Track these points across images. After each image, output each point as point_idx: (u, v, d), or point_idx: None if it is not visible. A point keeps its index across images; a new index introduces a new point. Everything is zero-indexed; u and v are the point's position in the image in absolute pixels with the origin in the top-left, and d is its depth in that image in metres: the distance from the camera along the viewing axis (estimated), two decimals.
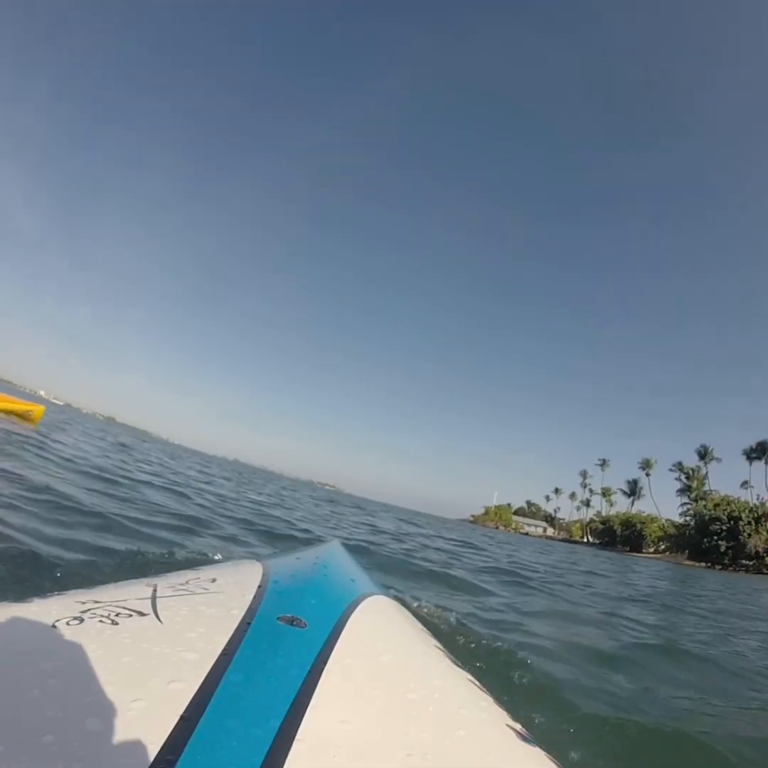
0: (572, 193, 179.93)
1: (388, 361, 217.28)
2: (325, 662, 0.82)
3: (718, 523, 46.50)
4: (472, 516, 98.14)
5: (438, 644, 1.30)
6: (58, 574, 2.09)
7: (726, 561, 44.52)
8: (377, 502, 76.51)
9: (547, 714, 1.77)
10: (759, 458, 58.83)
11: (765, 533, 43.34)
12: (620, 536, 66.18)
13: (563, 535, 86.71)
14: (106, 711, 0.62)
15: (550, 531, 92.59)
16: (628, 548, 63.44)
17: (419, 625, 1.48)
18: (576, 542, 74.06)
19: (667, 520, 66.41)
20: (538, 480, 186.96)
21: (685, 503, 61.49)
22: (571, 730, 1.74)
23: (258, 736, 0.61)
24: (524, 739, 0.85)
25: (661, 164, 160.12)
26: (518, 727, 0.89)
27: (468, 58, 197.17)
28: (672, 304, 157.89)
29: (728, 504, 48.73)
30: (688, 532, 51.79)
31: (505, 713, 0.95)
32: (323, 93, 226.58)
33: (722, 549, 44.85)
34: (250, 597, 1.02)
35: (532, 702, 1.84)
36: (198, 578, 1.16)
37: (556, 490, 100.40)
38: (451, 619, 2.80)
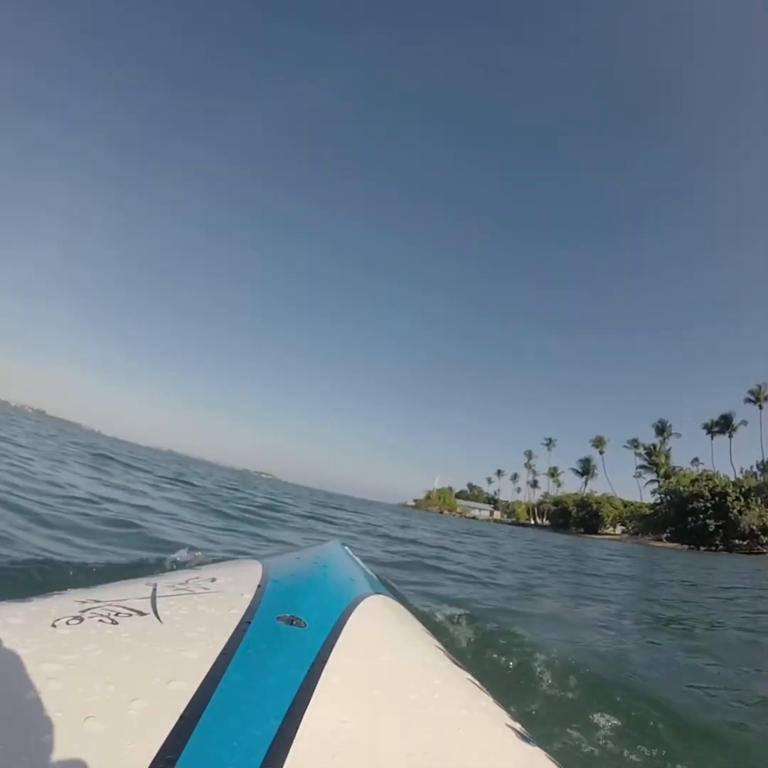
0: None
1: (320, 342, 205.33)
2: (324, 662, 0.82)
3: (700, 500, 42.22)
4: (414, 500, 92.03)
5: (438, 644, 1.30)
6: (58, 573, 2.08)
7: (717, 541, 40.19)
8: (314, 489, 68.42)
9: None
10: (722, 432, 56.32)
11: (757, 509, 39.39)
12: (575, 518, 62.04)
13: (510, 517, 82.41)
14: (106, 711, 0.61)
15: (496, 514, 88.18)
16: (582, 530, 59.32)
17: (419, 625, 1.48)
18: (524, 525, 69.66)
19: (618, 498, 63.27)
20: (478, 462, 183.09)
21: (652, 480, 58.23)
22: None
23: (258, 736, 0.61)
24: (524, 738, 0.86)
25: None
26: (518, 726, 0.90)
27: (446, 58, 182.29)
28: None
29: (708, 479, 44.81)
30: (661, 511, 47.56)
31: (505, 713, 0.96)
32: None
33: (711, 528, 40.54)
34: (250, 596, 1.02)
35: None
36: (198, 578, 1.15)
37: (499, 472, 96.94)
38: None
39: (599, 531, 58.94)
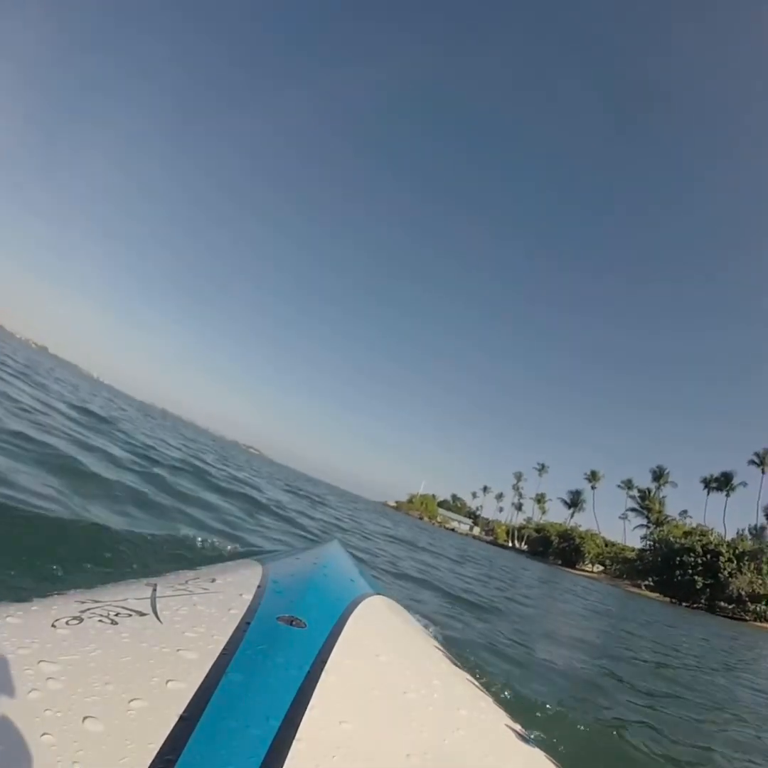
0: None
1: (334, 331, 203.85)
2: (324, 662, 0.82)
3: (691, 554, 41.08)
4: (396, 502, 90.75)
5: (438, 644, 1.30)
6: (58, 573, 2.06)
7: (702, 600, 39.11)
8: (299, 473, 66.70)
9: None
10: (719, 489, 55.32)
11: (749, 574, 38.32)
12: (555, 548, 60.94)
13: (488, 536, 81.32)
14: (105, 711, 0.61)
15: (476, 530, 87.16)
16: (560, 562, 58.24)
17: (419, 625, 1.48)
18: (502, 546, 68.57)
19: (601, 536, 62.29)
20: (466, 474, 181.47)
21: (641, 525, 57.22)
22: None
23: (257, 736, 0.61)
24: (523, 739, 0.87)
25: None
26: (517, 727, 0.91)
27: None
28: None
29: (702, 535, 43.70)
30: (647, 558, 46.44)
31: (504, 713, 0.97)
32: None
33: (698, 586, 39.44)
34: (250, 597, 1.02)
35: None
36: (197, 578, 1.15)
37: (485, 488, 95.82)
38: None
39: (577, 566, 57.92)
